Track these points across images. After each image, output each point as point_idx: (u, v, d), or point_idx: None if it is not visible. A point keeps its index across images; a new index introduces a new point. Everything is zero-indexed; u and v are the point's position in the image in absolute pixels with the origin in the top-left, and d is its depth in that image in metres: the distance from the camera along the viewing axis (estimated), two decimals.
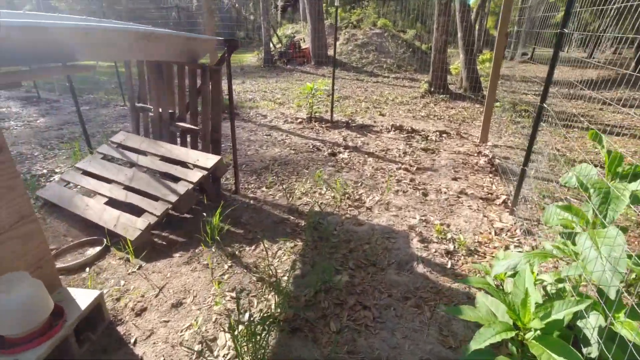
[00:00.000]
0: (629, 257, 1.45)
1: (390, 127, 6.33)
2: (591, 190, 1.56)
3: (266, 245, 2.89)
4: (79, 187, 3.60)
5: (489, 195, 3.79)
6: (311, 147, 5.32)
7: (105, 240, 2.89)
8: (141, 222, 2.84)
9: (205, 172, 3.24)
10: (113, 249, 2.85)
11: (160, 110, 3.96)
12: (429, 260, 2.73)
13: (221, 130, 3.66)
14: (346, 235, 3.05)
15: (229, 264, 2.65)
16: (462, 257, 2.76)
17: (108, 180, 3.48)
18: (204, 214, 3.17)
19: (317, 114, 7.03)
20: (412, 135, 5.99)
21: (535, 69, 14.58)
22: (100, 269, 2.63)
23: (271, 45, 17.65)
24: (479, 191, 3.89)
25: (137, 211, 3.07)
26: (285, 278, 2.52)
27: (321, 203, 3.60)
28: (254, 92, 10.26)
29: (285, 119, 6.91)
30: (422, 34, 23.39)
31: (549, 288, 1.95)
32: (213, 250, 2.80)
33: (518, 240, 2.96)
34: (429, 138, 5.84)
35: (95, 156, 3.81)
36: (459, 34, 8.59)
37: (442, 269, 2.63)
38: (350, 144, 5.48)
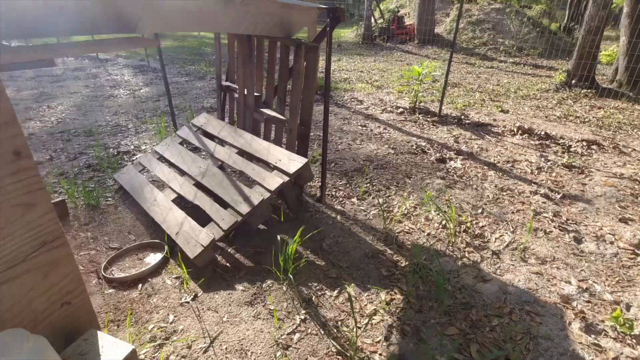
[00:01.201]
0: None
1: (515, 129, 5.02)
2: None
3: (353, 294, 2.15)
4: (152, 173, 3.26)
5: None
6: (414, 147, 4.37)
7: (166, 246, 2.46)
8: (204, 236, 2.32)
9: (285, 179, 2.59)
10: (172, 262, 2.40)
11: (246, 92, 3.41)
12: None
13: (311, 124, 2.96)
14: (464, 295, 2.16)
15: (302, 316, 1.98)
16: None
17: (181, 172, 3.07)
18: (279, 236, 2.55)
19: (421, 104, 5.97)
20: (547, 143, 4.62)
21: None
22: (152, 289, 2.18)
23: (372, 20, 16.42)
24: None
25: (203, 217, 2.57)
26: (377, 357, 1.77)
27: (428, 234, 2.73)
28: (350, 71, 9.43)
29: (383, 106, 5.99)
30: (553, 10, 19.72)
31: None
32: (284, 289, 2.16)
33: None
34: (571, 149, 4.43)
35: (174, 140, 3.44)
36: (625, 9, 6.53)
37: None
38: (463, 148, 4.39)
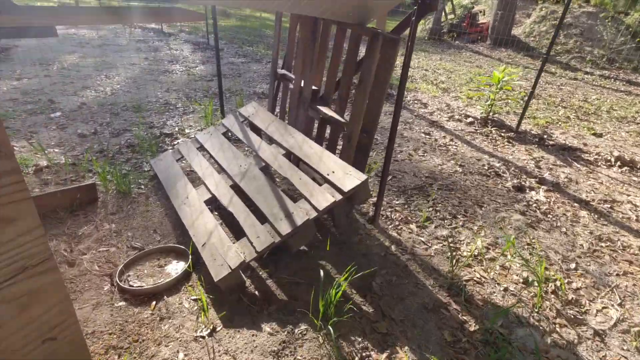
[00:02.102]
0: None
1: (612, 159, 4.17)
2: None
3: None
4: (190, 164, 2.95)
5: None
6: (486, 167, 3.73)
7: (189, 257, 2.12)
8: (233, 256, 1.95)
9: (338, 198, 2.14)
10: (194, 277, 2.06)
11: (303, 83, 2.98)
12: None
13: (375, 133, 2.47)
14: None
15: None
16: None
17: (219, 167, 2.73)
18: (321, 269, 2.11)
19: (495, 115, 5.22)
20: None
21: None
22: (167, 311, 1.84)
23: (442, 15, 15.32)
24: None
25: (236, 229, 2.20)
26: None
27: (505, 289, 2.16)
28: (413, 68, 8.71)
29: (450, 113, 5.32)
30: None
31: None
32: (320, 340, 1.73)
33: None
34: None
35: (217, 129, 3.11)
36: None
37: None
38: (547, 176, 3.67)
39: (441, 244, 2.49)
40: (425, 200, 3.00)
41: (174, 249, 2.27)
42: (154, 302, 1.89)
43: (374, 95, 2.32)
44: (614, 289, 2.24)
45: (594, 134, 5.06)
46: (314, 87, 2.90)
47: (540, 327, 1.93)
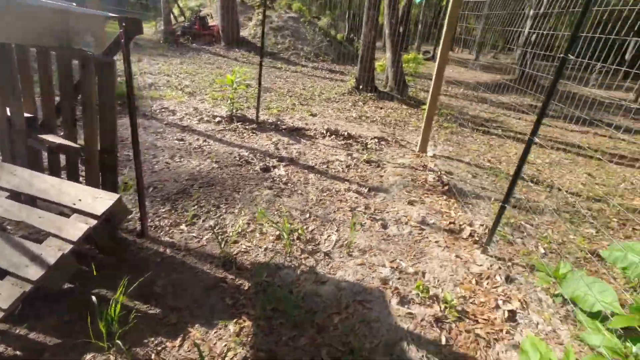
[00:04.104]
0: None
1: (325, 132, 5.66)
2: None
3: (199, 336, 1.96)
4: None
5: (452, 225, 3.40)
6: (238, 158, 4.34)
7: None
8: None
9: (92, 223, 2.11)
10: None
11: (9, 112, 2.59)
12: (418, 336, 2.14)
13: (117, 151, 2.51)
14: (308, 302, 2.29)
15: None
16: (454, 325, 2.25)
17: None
18: (94, 296, 2.07)
19: (238, 112, 5.98)
20: (350, 142, 5.42)
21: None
22: None
23: (172, 17, 15.38)
24: (439, 220, 3.48)
25: None
26: None
27: (266, 249, 2.76)
28: (155, 75, 8.55)
29: (199, 116, 5.70)
30: (337, 23, 23.15)
31: None
32: (112, 358, 1.77)
33: (503, 292, 2.58)
34: (368, 146, 5.34)
35: None
36: (387, 31, 8.28)
37: (436, 348, 2.07)
38: (284, 154, 4.65)
39: (210, 233, 2.86)
40: (189, 200, 3.27)
41: None
42: None
43: (104, 116, 2.35)
44: (333, 222, 3.24)
45: (312, 115, 6.62)
46: (27, 115, 2.59)
47: (293, 265, 2.62)
